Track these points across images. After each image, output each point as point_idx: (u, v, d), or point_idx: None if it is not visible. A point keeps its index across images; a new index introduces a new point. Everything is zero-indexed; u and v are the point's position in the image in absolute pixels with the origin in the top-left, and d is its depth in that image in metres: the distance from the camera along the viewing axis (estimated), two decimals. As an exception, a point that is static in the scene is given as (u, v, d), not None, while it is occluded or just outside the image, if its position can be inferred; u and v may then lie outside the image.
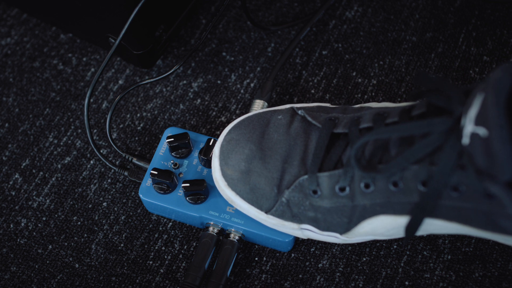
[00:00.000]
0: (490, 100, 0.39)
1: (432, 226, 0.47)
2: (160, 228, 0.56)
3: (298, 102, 0.61)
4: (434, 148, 0.43)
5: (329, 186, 0.47)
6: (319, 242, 0.54)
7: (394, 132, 0.45)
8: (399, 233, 0.48)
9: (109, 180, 0.58)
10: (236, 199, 0.50)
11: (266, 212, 0.50)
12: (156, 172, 0.53)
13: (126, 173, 0.57)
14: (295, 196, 0.48)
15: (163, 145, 0.56)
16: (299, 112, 0.51)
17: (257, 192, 0.49)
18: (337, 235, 0.50)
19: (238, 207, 0.51)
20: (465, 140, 0.41)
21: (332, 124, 0.49)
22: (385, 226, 0.48)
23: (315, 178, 0.48)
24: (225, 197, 0.51)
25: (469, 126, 0.40)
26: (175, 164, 0.55)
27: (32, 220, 0.57)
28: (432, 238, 0.54)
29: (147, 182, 0.54)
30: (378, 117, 0.47)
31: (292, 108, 0.52)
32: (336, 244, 0.54)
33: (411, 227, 0.46)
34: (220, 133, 0.60)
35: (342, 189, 0.47)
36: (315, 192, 0.48)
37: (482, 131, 0.39)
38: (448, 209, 0.45)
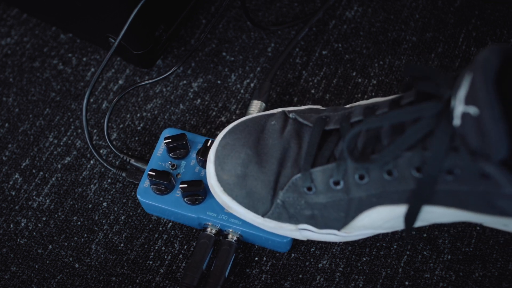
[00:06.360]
0: (479, 78, 0.39)
1: (431, 214, 0.46)
2: (160, 228, 0.56)
3: (298, 102, 0.61)
4: (425, 133, 0.43)
5: (323, 181, 0.47)
6: (319, 242, 0.54)
7: (385, 120, 0.44)
8: (398, 224, 0.48)
9: (109, 180, 0.58)
10: (232, 204, 0.50)
11: (262, 216, 0.49)
12: (153, 173, 0.53)
13: (124, 174, 0.57)
14: (289, 196, 0.48)
15: (161, 146, 0.56)
16: (290, 115, 0.51)
17: (253, 196, 0.49)
18: (335, 231, 0.49)
19: (234, 212, 0.50)
20: (456, 121, 0.41)
21: (323, 122, 0.49)
22: (383, 218, 0.47)
23: (309, 175, 0.48)
24: (221, 202, 0.51)
25: (459, 107, 0.40)
26: (172, 165, 0.55)
27: (32, 220, 0.57)
28: (432, 238, 0.54)
29: (145, 183, 0.54)
30: (368, 110, 0.47)
31: (283, 112, 0.52)
32: (336, 244, 0.54)
33: (410, 216, 0.45)
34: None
35: (336, 183, 0.47)
36: (309, 189, 0.48)
37: (473, 110, 0.39)
38: (445, 194, 0.44)
